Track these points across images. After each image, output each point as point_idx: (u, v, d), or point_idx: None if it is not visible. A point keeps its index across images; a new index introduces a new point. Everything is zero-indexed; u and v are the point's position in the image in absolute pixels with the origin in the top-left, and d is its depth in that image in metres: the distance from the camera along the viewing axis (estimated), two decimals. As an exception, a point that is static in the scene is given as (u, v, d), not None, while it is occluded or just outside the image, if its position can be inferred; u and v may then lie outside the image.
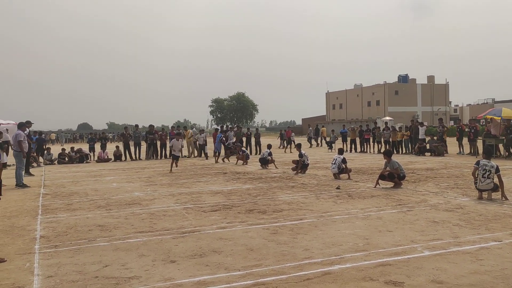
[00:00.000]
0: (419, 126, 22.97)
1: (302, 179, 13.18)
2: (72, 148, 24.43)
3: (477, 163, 8.97)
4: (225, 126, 30.56)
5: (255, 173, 15.42)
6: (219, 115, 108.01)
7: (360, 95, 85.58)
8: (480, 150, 20.50)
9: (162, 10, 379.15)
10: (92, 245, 6.10)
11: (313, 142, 35.76)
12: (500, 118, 20.29)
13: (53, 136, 63.61)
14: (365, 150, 25.97)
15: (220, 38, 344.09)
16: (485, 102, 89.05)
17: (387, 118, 58.33)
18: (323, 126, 39.13)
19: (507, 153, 19.27)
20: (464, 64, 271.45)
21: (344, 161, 12.94)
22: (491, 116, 20.73)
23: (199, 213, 8.21)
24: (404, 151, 23.66)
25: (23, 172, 12.82)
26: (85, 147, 26.32)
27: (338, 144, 28.10)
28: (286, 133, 31.70)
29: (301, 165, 14.65)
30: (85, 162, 23.23)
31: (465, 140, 22.79)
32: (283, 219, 7.47)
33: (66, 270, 5.02)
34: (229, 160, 21.07)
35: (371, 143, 25.83)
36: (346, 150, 25.01)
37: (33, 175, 16.55)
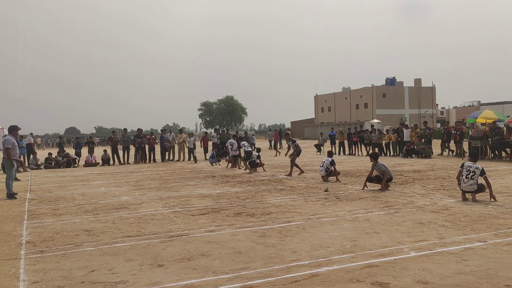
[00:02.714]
0: (403, 129, 23.20)
1: (290, 182, 13.22)
2: (59, 153, 24.19)
3: (462, 165, 9.09)
4: (213, 130, 30.48)
5: (244, 176, 15.43)
6: (208, 119, 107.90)
7: (348, 98, 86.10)
8: (466, 152, 20.83)
9: (154, 20, 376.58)
10: (79, 250, 6.05)
11: (274, 144, 33.18)
12: (484, 120, 20.74)
13: (39, 140, 62.99)
14: (354, 153, 26.15)
15: (210, 48, 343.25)
16: (471, 104, 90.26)
17: (375, 120, 58.78)
18: (289, 129, 39.11)
19: (492, 155, 19.54)
20: (451, 67, 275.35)
21: (332, 163, 13.02)
22: (475, 121, 21.29)
23: (188, 216, 8.19)
24: (391, 154, 23.87)
25: (11, 181, 12.08)
26: (72, 152, 26.02)
27: (327, 147, 28.24)
28: (274, 136, 31.69)
29: (295, 153, 14.73)
30: (72, 166, 23.03)
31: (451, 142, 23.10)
32: (272, 222, 7.49)
33: (52, 276, 4.98)
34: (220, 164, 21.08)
35: (359, 146, 26.01)
36: (335, 153, 25.14)
37: (19, 180, 16.35)
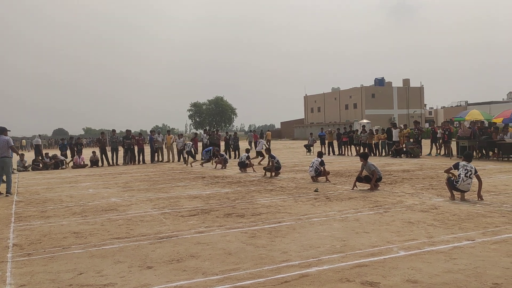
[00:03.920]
0: (392, 129, 23.36)
1: (280, 182, 13.22)
2: (46, 154, 23.94)
3: (457, 165, 9.08)
4: (203, 131, 30.34)
5: (234, 177, 15.40)
6: (197, 119, 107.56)
7: (337, 98, 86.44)
8: (454, 152, 21.05)
9: (144, 21, 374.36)
10: (67, 252, 5.98)
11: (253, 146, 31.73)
12: (470, 119, 21.06)
13: (24, 142, 62.20)
14: (343, 153, 26.24)
15: (200, 49, 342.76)
16: (459, 104, 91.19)
17: (365, 121, 59.12)
18: (268, 130, 38.93)
19: (479, 154, 19.75)
20: (439, 67, 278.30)
21: (322, 163, 13.04)
22: (459, 120, 21.76)
23: (177, 218, 8.15)
24: (381, 153, 23.99)
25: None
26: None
27: (317, 147, 28.31)
28: (254, 137, 31.60)
29: (274, 168, 14.71)
30: (60, 168, 22.79)
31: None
32: (262, 222, 7.47)
33: (40, 279, 4.91)
34: (191, 165, 21.11)
35: (349, 146, 26.11)
36: (325, 153, 25.23)
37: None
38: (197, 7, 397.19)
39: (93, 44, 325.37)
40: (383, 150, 23.95)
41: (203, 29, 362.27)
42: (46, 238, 6.87)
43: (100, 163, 23.69)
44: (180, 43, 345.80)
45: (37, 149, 24.90)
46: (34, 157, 24.20)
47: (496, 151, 19.10)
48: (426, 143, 25.26)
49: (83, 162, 23.32)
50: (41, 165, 22.74)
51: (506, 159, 18.33)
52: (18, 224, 8.13)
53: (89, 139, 73.83)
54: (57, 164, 22.94)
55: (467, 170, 8.82)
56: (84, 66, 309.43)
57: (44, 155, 23.92)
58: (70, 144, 25.32)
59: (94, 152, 24.36)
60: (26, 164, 22.61)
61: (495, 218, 7.15)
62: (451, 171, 9.21)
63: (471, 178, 8.80)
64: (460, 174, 8.88)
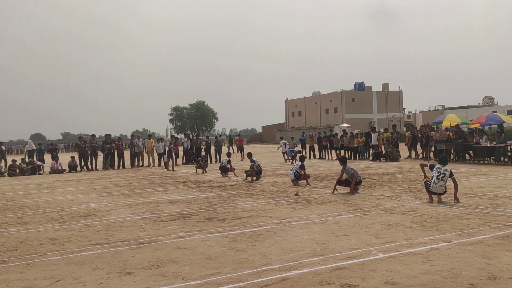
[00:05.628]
0: (371, 132, 23.65)
1: (261, 186, 13.24)
2: (23, 160, 23.45)
3: (432, 167, 9.28)
4: (183, 135, 30.15)
5: (215, 181, 15.36)
6: (178, 124, 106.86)
7: (318, 103, 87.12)
8: (432, 155, 21.41)
9: (125, 22, 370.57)
10: (44, 259, 5.87)
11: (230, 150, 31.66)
12: (449, 124, 21.49)
13: None
14: (324, 157, 26.43)
15: (181, 52, 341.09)
16: (436, 108, 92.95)
17: (345, 125, 59.72)
18: (238, 135, 38.87)
19: (456, 157, 20.13)
20: (417, 72, 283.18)
21: (302, 167, 13.11)
22: (437, 124, 22.28)
23: (157, 223, 8.08)
24: (360, 157, 24.24)
25: None
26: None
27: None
28: (237, 141, 31.59)
29: (254, 172, 14.73)
30: (37, 173, 22.36)
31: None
32: (242, 226, 7.47)
33: (15, 286, 4.81)
34: (173, 169, 21.02)
35: (329, 150, 26.31)
36: (305, 157, 25.34)
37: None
38: (179, 10, 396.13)
39: (73, 45, 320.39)
40: (363, 154, 24.19)
41: (184, 33, 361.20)
42: (23, 245, 6.73)
43: (78, 168, 23.33)
44: (161, 46, 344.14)
45: (31, 155, 24.21)
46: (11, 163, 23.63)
47: (472, 154, 19.51)
48: (401, 147, 25.61)
49: (61, 167, 22.93)
50: (17, 171, 22.26)
51: (482, 162, 18.74)
52: (-7, 231, 7.94)
53: (66, 144, 72.49)
54: (34, 169, 22.49)
55: (440, 172, 8.99)
56: (64, 67, 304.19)
57: (21, 160, 23.40)
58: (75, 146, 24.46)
59: (73, 157, 23.97)
60: (2, 170, 22.11)
61: (471, 220, 7.31)
62: (425, 167, 9.68)
63: (443, 180, 8.95)
64: (432, 176, 9.07)
